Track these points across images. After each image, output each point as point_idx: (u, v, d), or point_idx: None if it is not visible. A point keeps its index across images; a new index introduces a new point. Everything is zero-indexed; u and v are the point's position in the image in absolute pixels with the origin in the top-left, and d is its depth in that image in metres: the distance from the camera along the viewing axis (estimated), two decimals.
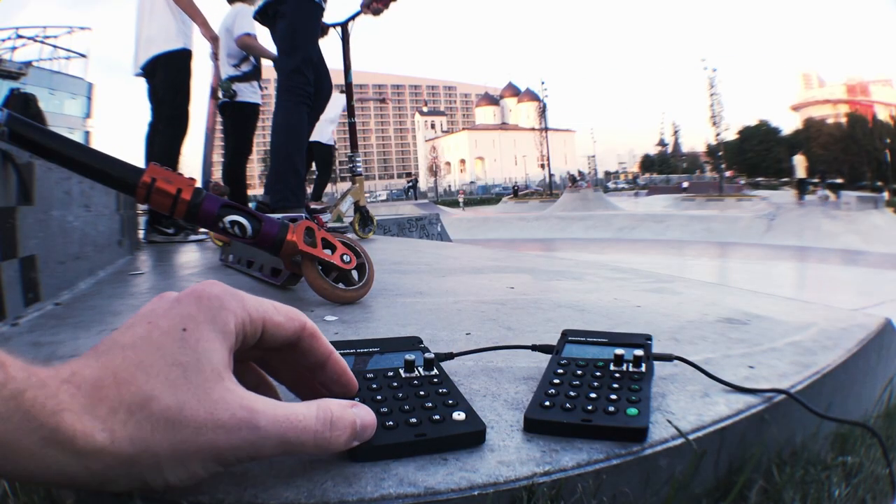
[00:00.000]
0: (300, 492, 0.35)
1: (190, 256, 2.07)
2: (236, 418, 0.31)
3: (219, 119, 3.39)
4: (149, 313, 0.33)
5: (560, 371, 0.52)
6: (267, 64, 3.34)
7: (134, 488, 0.31)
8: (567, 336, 0.60)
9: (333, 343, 0.45)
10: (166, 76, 2.74)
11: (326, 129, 5.08)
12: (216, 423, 0.30)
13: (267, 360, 0.40)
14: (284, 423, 0.32)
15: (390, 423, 0.40)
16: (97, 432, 0.28)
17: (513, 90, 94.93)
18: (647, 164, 72.04)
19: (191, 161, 3.35)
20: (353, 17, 2.54)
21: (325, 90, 2.25)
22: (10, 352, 0.29)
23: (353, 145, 2.69)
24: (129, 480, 0.30)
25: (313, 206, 2.59)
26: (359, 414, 0.36)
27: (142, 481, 0.30)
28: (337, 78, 2.55)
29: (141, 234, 2.67)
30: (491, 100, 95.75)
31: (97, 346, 0.32)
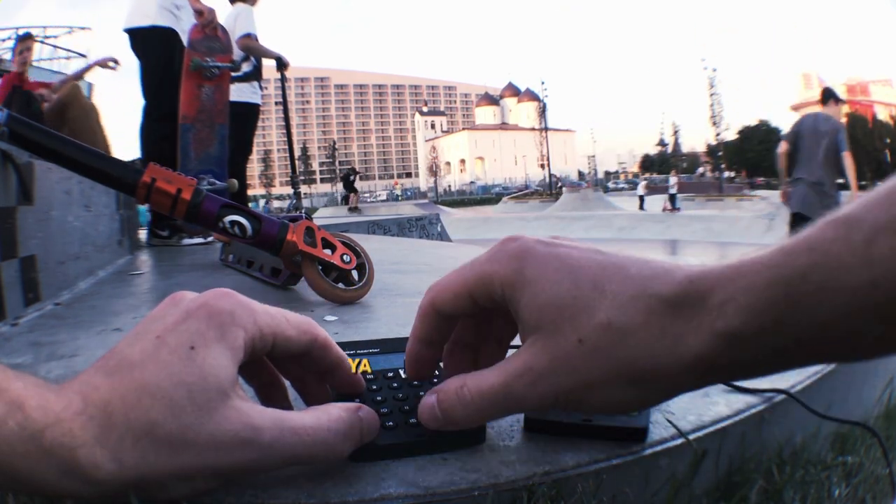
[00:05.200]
0: (300, 492, 0.35)
1: (190, 256, 2.07)
2: (239, 439, 0.31)
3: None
4: (159, 326, 0.33)
5: None
6: (268, 64, 3.35)
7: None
8: None
9: None
10: (137, 57, 2.57)
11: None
12: (218, 445, 0.31)
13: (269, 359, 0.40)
14: (292, 439, 0.33)
15: (390, 423, 0.40)
16: (107, 462, 0.29)
17: (513, 90, 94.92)
18: (647, 164, 72.05)
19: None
20: None
21: None
22: (15, 349, 0.29)
23: None
24: (135, 495, 0.31)
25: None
26: (364, 419, 0.36)
27: (147, 495, 0.31)
28: None
29: (143, 235, 2.63)
30: (491, 100, 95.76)
31: (107, 359, 0.32)
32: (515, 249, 0.32)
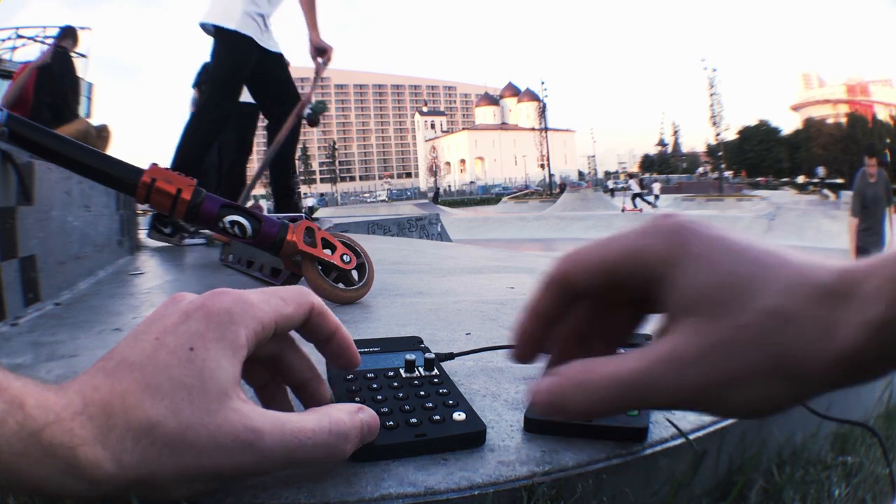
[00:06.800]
0: (300, 492, 0.35)
1: (190, 256, 2.07)
2: (239, 441, 0.31)
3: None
4: (158, 327, 0.33)
5: None
6: None
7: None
8: None
9: None
10: (213, 51, 2.54)
11: None
12: (218, 446, 0.31)
13: (272, 360, 0.40)
14: (293, 442, 0.33)
15: (390, 423, 0.40)
16: (106, 462, 0.29)
17: (513, 90, 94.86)
18: (647, 164, 71.99)
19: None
20: None
21: None
22: (15, 350, 0.29)
23: None
24: (135, 495, 0.31)
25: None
26: (365, 419, 0.36)
27: (146, 495, 0.31)
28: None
29: (143, 232, 2.62)
30: (491, 100, 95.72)
31: (106, 360, 0.32)
32: (674, 225, 0.29)
